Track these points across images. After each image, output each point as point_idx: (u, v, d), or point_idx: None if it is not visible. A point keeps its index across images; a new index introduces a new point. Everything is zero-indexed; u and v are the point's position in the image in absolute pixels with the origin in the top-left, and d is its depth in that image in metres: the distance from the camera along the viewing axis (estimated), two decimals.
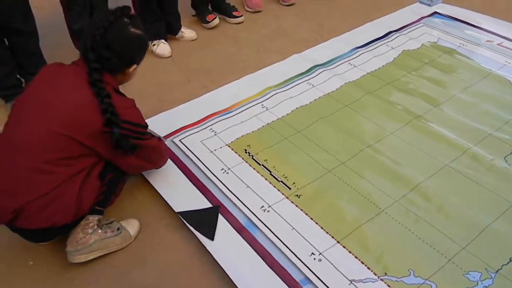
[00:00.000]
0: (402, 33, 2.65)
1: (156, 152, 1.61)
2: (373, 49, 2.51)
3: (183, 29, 2.76)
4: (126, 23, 1.38)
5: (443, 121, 1.99)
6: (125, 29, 1.38)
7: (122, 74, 1.47)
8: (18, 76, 2.22)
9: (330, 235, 1.54)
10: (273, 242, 1.52)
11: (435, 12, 2.87)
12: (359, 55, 2.46)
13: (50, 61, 2.30)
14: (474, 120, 1.99)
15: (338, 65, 2.39)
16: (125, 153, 1.38)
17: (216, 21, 2.87)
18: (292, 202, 1.66)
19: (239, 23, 2.92)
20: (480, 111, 2.05)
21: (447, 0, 3.02)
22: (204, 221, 1.61)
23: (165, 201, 1.67)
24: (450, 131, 1.93)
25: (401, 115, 2.03)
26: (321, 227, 1.56)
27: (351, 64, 2.40)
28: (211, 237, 1.55)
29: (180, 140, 1.96)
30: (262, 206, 1.65)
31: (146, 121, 1.55)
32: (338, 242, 1.51)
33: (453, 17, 2.80)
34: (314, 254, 1.48)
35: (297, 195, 1.69)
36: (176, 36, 2.75)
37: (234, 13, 2.92)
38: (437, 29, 2.68)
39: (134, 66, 1.47)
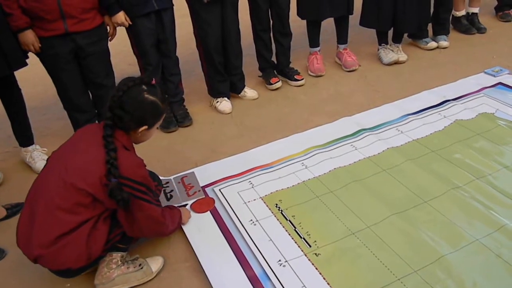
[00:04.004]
0: (458, 102, 2.60)
1: (149, 219, 1.59)
2: (424, 116, 2.50)
3: (246, 89, 3.00)
4: (142, 89, 1.58)
5: (483, 194, 1.90)
6: (140, 94, 1.57)
7: (134, 133, 1.63)
8: (97, 122, 2.58)
9: None
10: None
11: (499, 83, 2.78)
12: (409, 122, 2.46)
13: None
14: None
15: (385, 130, 2.42)
16: (118, 205, 1.48)
17: (279, 84, 3.07)
18: (309, 259, 1.69)
19: (299, 85, 3.10)
20: None
21: None
22: None
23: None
24: (487, 206, 1.84)
25: (439, 184, 1.98)
26: None
27: (399, 130, 2.41)
28: None
29: (219, 190, 2.11)
30: (279, 260, 1.70)
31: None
32: None
33: None
34: None
35: (315, 254, 1.71)
36: (239, 95, 3.00)
37: (295, 76, 3.11)
38: (497, 100, 2.59)
39: (145, 127, 1.61)
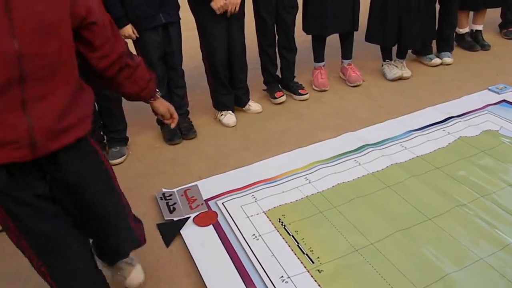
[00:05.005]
0: (462, 119, 2.60)
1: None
2: (428, 133, 2.50)
3: (250, 102, 3.02)
4: None
5: (487, 212, 1.89)
6: None
7: None
8: (101, 133, 2.60)
9: None
10: None
11: (503, 100, 2.78)
12: (413, 138, 2.46)
13: (131, 120, 2.71)
14: None
15: (389, 146, 2.42)
16: None
17: (283, 98, 3.08)
18: (312, 276, 1.68)
19: (303, 100, 3.11)
20: None
21: None
22: (171, 230, 1.98)
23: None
24: (492, 224, 1.83)
25: (443, 201, 1.97)
26: None
27: (403, 146, 2.40)
28: (166, 243, 1.91)
29: (222, 203, 2.11)
30: (282, 276, 1.69)
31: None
32: None
33: None
34: None
35: (318, 270, 1.70)
36: (244, 108, 3.01)
37: (300, 90, 3.12)
38: (501, 117, 2.59)
39: None
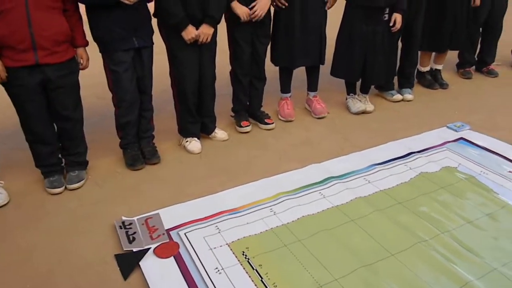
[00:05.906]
0: (422, 155, 2.68)
1: None
2: (391, 167, 2.56)
3: (216, 130, 2.99)
4: None
5: (448, 249, 1.93)
6: None
7: None
8: (59, 155, 2.48)
9: None
10: None
11: (461, 138, 2.90)
12: (376, 172, 2.51)
13: (91, 144, 2.61)
14: (480, 252, 1.91)
15: (353, 179, 2.45)
16: None
17: (249, 128, 3.08)
18: None
19: (269, 129, 3.12)
20: (489, 244, 1.96)
21: (476, 127, 3.06)
22: (130, 261, 1.89)
23: None
24: (452, 261, 1.86)
25: (406, 237, 2.00)
26: None
27: (366, 180, 2.44)
28: (124, 275, 1.82)
29: (185, 234, 2.05)
30: None
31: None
32: None
33: (478, 145, 2.81)
34: None
35: None
36: (210, 135, 2.98)
37: (266, 120, 3.14)
38: (459, 154, 2.69)
39: None
